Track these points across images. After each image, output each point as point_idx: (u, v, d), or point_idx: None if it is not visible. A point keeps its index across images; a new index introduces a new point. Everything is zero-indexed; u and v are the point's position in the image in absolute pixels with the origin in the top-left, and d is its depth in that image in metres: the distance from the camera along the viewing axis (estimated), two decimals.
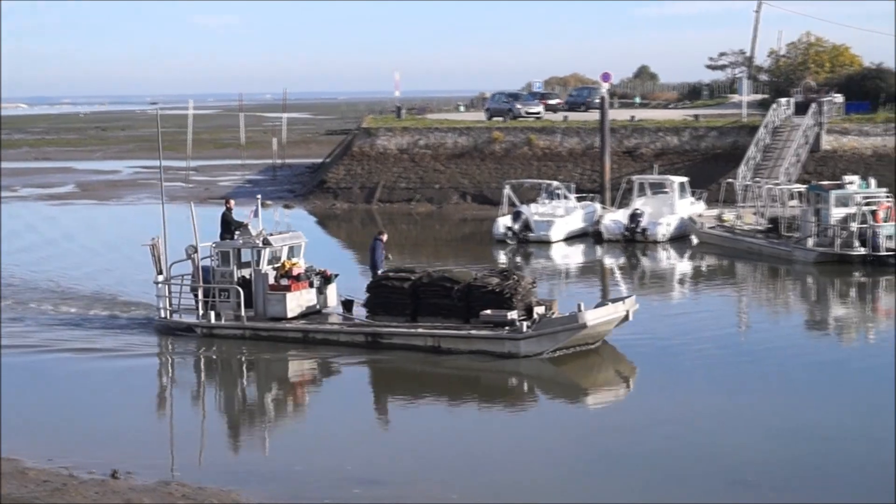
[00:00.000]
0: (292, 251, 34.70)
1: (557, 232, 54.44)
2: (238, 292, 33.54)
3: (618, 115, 74.53)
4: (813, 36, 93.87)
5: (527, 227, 54.45)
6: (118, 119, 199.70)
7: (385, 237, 35.88)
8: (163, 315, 34.88)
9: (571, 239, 55.10)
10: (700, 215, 54.89)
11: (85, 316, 37.25)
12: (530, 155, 70.58)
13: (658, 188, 57.06)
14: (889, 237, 45.57)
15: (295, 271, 33.87)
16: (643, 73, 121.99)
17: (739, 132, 67.55)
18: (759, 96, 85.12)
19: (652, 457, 22.80)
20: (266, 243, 33.88)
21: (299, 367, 32.02)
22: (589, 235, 55.63)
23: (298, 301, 33.67)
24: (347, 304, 34.38)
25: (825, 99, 68.30)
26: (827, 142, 65.19)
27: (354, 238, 59.62)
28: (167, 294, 34.82)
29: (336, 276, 35.33)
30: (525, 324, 30.87)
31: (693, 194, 57.54)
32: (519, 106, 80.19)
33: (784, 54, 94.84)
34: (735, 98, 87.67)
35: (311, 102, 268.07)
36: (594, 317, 30.70)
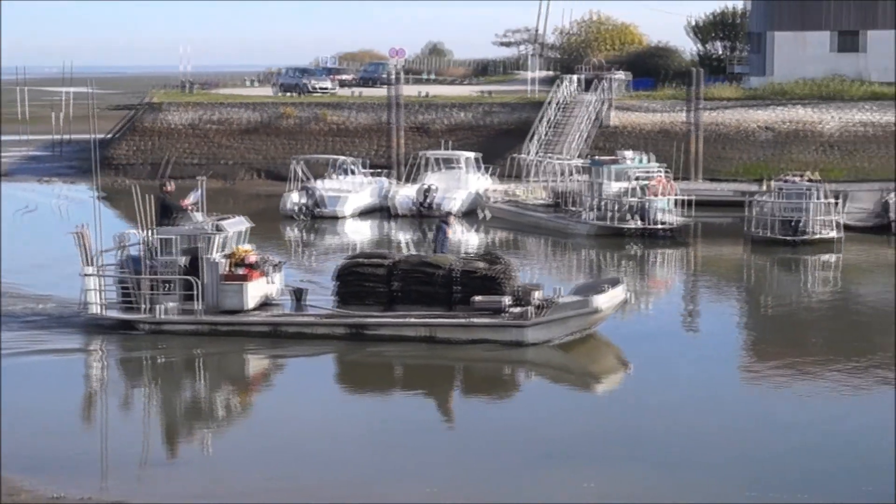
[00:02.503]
0: (239, 237, 31.74)
1: (348, 207, 54.26)
2: (191, 284, 30.11)
3: (409, 90, 74.55)
4: (599, 14, 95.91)
5: (317, 202, 54.11)
6: None
7: (452, 218, 34.40)
8: (94, 311, 31.15)
9: (363, 214, 55.01)
10: (493, 190, 55.49)
11: None
12: (322, 130, 70.06)
13: (449, 163, 57.45)
14: (664, 210, 46.87)
15: (251, 258, 30.86)
16: (434, 50, 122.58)
17: (528, 108, 68.34)
18: (547, 73, 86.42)
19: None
20: (218, 229, 30.64)
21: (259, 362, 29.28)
22: (380, 211, 55.67)
23: (256, 291, 30.87)
24: (298, 293, 31.75)
25: (610, 76, 69.71)
26: (613, 117, 66.49)
27: None
28: (98, 287, 31.04)
29: (283, 263, 33.20)
30: (530, 310, 28.87)
31: (484, 169, 58.07)
32: (310, 81, 79.66)
33: (571, 32, 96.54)
34: (524, 75, 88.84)
35: (95, 76, 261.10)
36: (604, 300, 29.16)
